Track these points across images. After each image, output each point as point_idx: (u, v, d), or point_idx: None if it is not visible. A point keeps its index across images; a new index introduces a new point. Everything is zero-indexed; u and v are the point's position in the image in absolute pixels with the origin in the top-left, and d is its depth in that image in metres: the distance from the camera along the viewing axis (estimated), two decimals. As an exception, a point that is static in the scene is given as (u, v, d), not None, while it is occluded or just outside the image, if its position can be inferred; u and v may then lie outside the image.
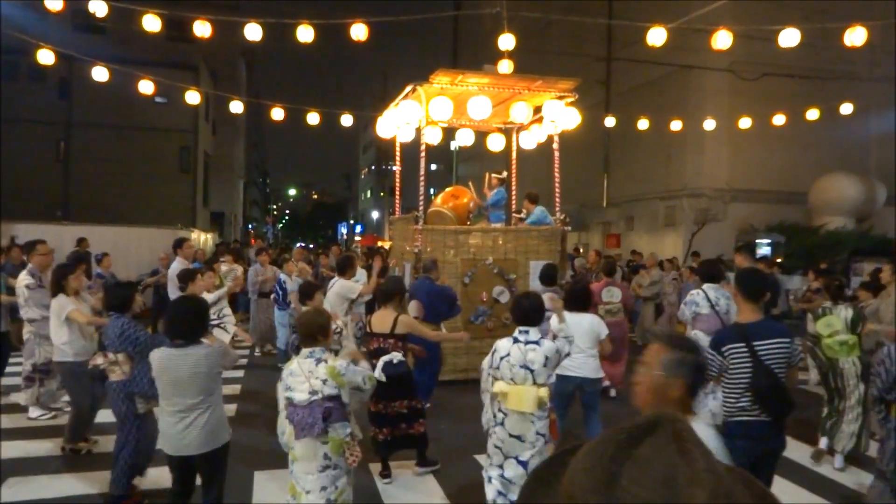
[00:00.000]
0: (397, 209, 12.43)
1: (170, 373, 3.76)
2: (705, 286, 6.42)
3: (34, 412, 6.97)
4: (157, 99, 19.50)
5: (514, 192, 11.93)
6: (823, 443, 6.29)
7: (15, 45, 13.05)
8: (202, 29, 10.15)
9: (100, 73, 11.82)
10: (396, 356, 5.30)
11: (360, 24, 10.15)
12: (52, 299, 5.87)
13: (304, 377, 3.72)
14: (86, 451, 5.88)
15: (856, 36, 9.51)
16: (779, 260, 16.45)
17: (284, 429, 3.87)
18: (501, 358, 4.18)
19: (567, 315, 5.02)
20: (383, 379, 5.10)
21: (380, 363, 5.22)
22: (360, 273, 9.81)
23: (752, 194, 20.41)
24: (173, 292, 7.46)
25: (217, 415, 3.87)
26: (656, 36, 9.78)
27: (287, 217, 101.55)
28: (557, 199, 10.05)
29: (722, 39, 9.72)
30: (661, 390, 2.09)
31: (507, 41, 11.74)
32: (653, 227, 22.79)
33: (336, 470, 3.78)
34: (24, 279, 6.71)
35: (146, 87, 12.59)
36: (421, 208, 9.28)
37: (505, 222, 10.55)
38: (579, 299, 5.80)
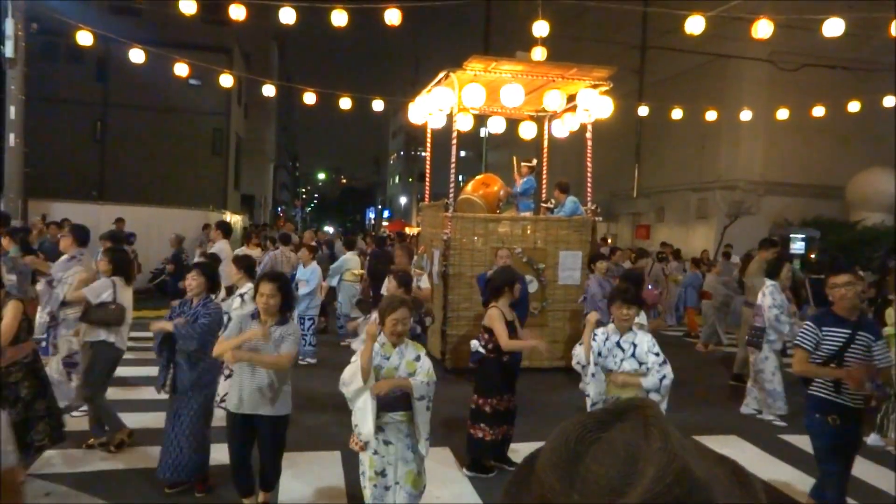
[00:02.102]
0: (427, 196, 12.43)
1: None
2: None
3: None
4: (192, 81, 19.67)
5: (544, 181, 11.84)
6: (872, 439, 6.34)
7: (54, 26, 13.25)
8: (237, 12, 10.20)
9: (136, 55, 11.98)
10: (475, 344, 5.46)
11: (393, 8, 10.13)
12: (127, 288, 5.69)
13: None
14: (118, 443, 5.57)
15: (902, 26, 9.24)
16: (812, 255, 16.16)
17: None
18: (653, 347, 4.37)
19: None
20: None
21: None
22: (317, 269, 9.60)
23: (787, 188, 20.02)
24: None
25: None
26: (695, 24, 9.61)
27: (316, 201, 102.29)
28: (589, 189, 9.95)
29: (762, 28, 9.50)
30: None
31: (541, 28, 11.64)
32: (684, 219, 22.48)
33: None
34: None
35: (181, 69, 12.73)
36: (451, 196, 9.26)
37: (534, 211, 10.49)
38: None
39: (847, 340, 4.12)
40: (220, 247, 9.64)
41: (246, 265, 6.37)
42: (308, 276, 9.25)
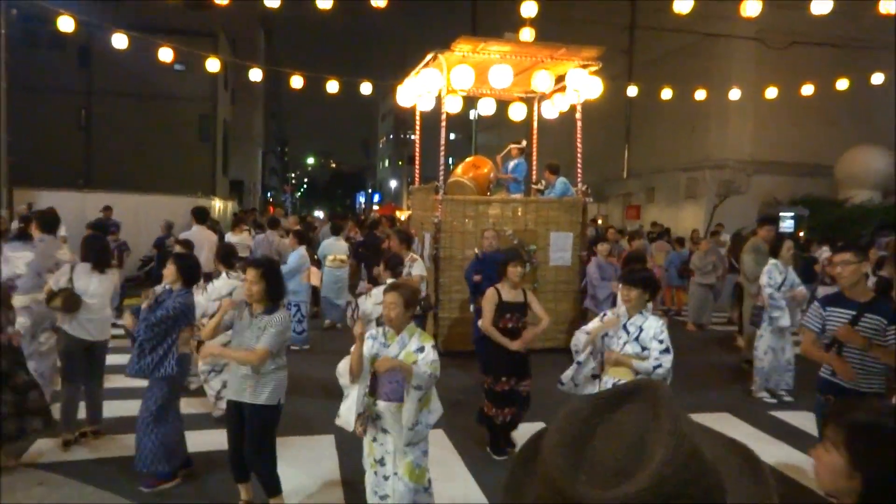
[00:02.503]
0: (417, 179, 12.38)
1: None
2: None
3: None
4: (177, 67, 19.49)
5: (534, 162, 11.81)
6: None
7: (35, 13, 13.03)
8: (221, -5, 10.06)
9: (119, 41, 11.82)
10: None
11: (379, -10, 10.01)
12: (97, 275, 5.42)
13: None
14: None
15: (890, 4, 9.23)
16: (801, 234, 16.25)
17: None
18: (661, 333, 4.24)
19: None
20: None
21: None
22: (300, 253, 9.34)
23: (776, 166, 20.06)
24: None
25: None
26: (683, 4, 9.55)
27: (305, 186, 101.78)
28: (579, 170, 9.93)
29: (751, 7, 9.47)
30: None
31: (529, 8, 11.54)
32: (674, 200, 22.53)
33: None
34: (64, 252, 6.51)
35: (165, 54, 12.58)
36: (441, 178, 9.23)
37: (524, 193, 10.47)
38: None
39: (850, 321, 4.04)
40: (193, 232, 9.33)
41: (223, 254, 6.36)
42: (290, 261, 9.13)
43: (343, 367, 3.79)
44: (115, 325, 6.19)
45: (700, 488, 0.75)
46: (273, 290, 4.08)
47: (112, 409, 5.95)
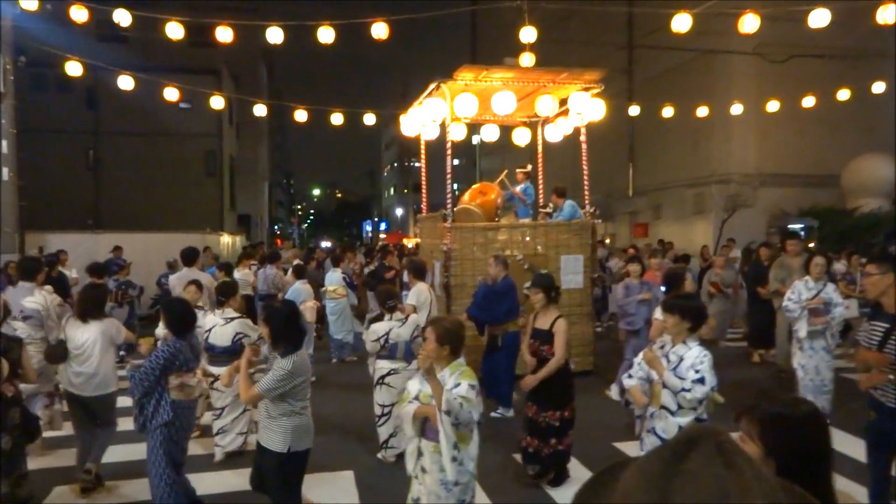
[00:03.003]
0: (424, 207, 12.41)
1: (308, 369, 4.13)
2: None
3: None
4: (182, 105, 19.68)
5: (541, 186, 11.83)
6: None
7: (42, 58, 13.25)
8: (224, 34, 10.22)
9: (125, 82, 12.00)
10: None
11: (379, 22, 10.15)
12: (100, 322, 5.27)
13: None
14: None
15: (888, 13, 9.27)
16: (811, 245, 16.16)
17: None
18: (701, 364, 3.87)
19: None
20: None
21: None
22: (295, 287, 9.42)
23: (782, 178, 20.04)
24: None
25: None
26: (681, 22, 9.63)
27: (312, 217, 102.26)
28: (586, 192, 9.94)
29: (749, 23, 9.52)
30: None
31: (528, 34, 11.63)
32: (681, 216, 22.48)
33: None
34: (52, 297, 6.28)
35: (171, 93, 12.76)
36: (449, 206, 9.24)
37: (532, 217, 10.47)
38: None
39: (884, 334, 3.93)
40: (179, 275, 9.13)
41: (223, 292, 6.32)
42: (288, 296, 9.16)
43: (403, 417, 3.72)
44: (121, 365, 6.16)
45: None
46: (276, 333, 3.97)
47: (129, 452, 5.92)
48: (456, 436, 3.49)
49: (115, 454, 5.71)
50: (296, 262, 11.20)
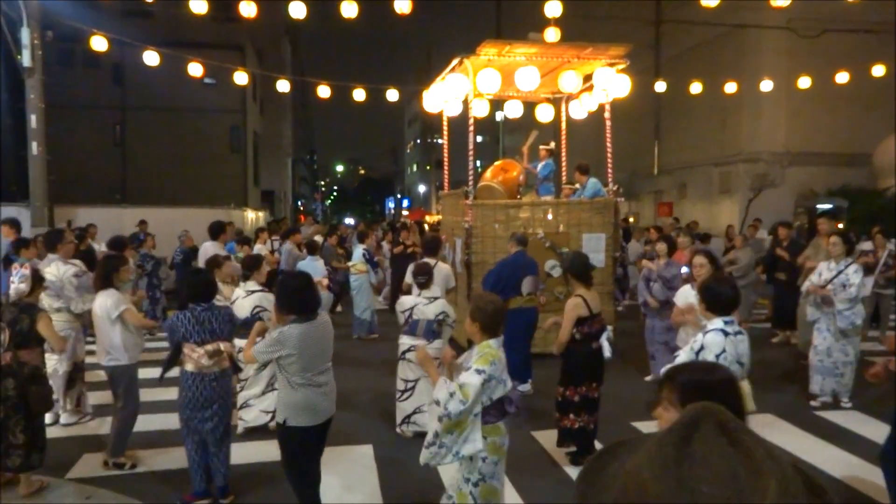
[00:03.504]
0: (446, 184, 12.38)
1: (315, 344, 3.93)
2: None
3: (70, 418, 6.32)
4: (206, 80, 19.72)
5: (563, 163, 11.73)
6: None
7: (69, 33, 13.35)
8: (247, 9, 10.22)
9: (151, 58, 12.08)
10: (609, 330, 5.38)
11: (403, -4, 10.05)
12: (100, 294, 5.22)
13: (504, 365, 3.67)
14: (130, 466, 5.30)
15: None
16: (840, 225, 15.86)
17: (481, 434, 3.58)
18: (717, 356, 3.57)
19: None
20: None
21: (605, 341, 5.24)
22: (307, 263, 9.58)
23: (811, 157, 19.64)
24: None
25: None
26: (711, -5, 9.41)
27: (335, 193, 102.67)
28: (610, 170, 9.84)
29: (781, -4, 9.29)
30: None
31: (553, 8, 11.48)
32: (707, 195, 22.18)
33: None
34: (65, 268, 6.26)
35: (195, 69, 12.81)
36: (470, 183, 9.21)
37: (554, 195, 10.39)
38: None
39: None
40: (205, 248, 9.58)
41: (248, 265, 6.44)
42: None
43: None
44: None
45: None
46: (279, 303, 4.06)
47: (157, 422, 6.07)
48: (441, 426, 3.47)
49: (148, 423, 5.84)
50: (312, 239, 11.31)
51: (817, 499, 0.84)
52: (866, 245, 10.53)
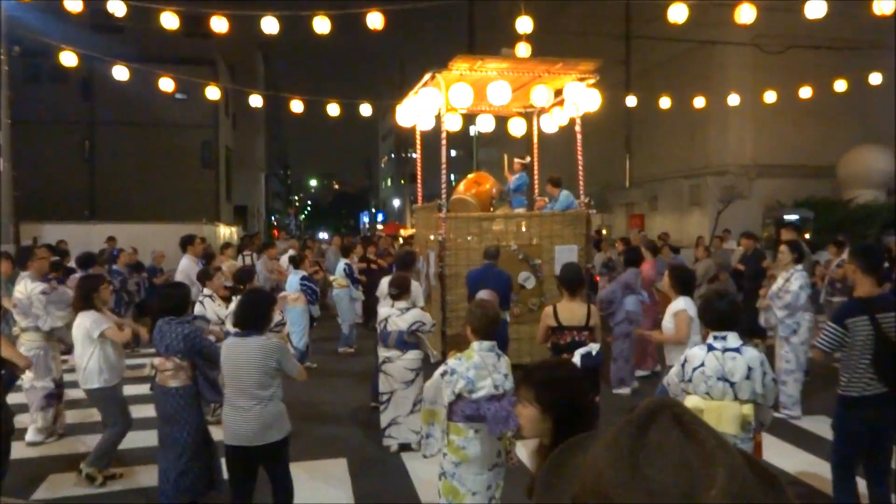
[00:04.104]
0: (419, 197, 12.41)
1: (231, 360, 3.91)
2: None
3: (36, 436, 6.13)
4: (178, 95, 19.62)
5: (536, 176, 11.84)
6: None
7: (37, 48, 13.20)
8: (219, 24, 10.19)
9: (120, 73, 11.97)
10: (595, 347, 5.15)
11: (375, 12, 10.12)
12: (79, 315, 5.14)
13: (487, 371, 3.66)
14: (100, 482, 5.14)
15: (885, 4, 9.28)
16: (807, 235, 16.19)
17: (440, 430, 3.79)
18: (694, 368, 3.53)
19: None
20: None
21: (577, 356, 5.01)
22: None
23: (778, 170, 20.07)
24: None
25: (271, 410, 3.90)
26: (677, 12, 9.62)
27: (309, 208, 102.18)
28: (581, 182, 9.95)
29: (745, 13, 9.52)
30: None
31: (524, 24, 11.61)
32: (678, 207, 22.53)
33: (501, 468, 3.75)
34: (33, 286, 6.12)
35: (166, 84, 12.72)
36: (444, 196, 9.25)
37: (527, 207, 10.48)
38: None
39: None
40: (183, 264, 9.40)
41: (240, 279, 6.47)
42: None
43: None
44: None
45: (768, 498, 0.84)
46: (235, 314, 4.22)
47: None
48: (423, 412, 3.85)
49: (134, 441, 5.69)
50: (290, 253, 11.27)
51: (769, 487, 0.87)
52: (824, 255, 10.73)
